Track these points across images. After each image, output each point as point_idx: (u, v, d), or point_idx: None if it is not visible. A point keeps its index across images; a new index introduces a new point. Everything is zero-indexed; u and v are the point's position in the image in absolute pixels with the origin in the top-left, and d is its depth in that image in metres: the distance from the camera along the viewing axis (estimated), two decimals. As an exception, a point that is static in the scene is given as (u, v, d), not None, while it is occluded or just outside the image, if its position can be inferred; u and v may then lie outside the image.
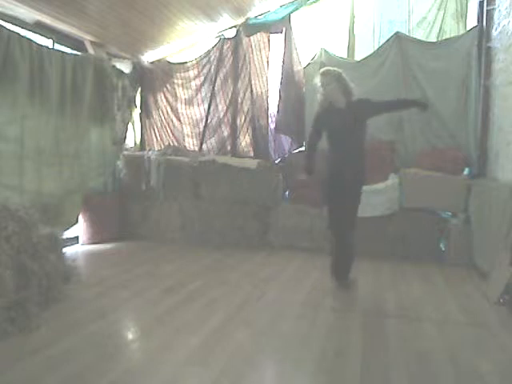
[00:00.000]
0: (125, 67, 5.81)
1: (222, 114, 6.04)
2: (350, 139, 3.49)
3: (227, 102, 5.99)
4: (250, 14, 5.75)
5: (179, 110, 6.18)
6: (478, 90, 4.98)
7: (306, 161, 3.67)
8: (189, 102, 6.14)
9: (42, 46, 4.31)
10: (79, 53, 5.00)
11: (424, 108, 3.69)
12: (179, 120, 6.19)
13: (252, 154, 5.87)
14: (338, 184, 3.53)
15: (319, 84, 3.55)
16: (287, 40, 5.68)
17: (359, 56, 5.62)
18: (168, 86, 6.17)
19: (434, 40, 5.33)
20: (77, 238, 5.01)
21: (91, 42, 5.17)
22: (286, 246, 5.06)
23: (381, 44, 5.46)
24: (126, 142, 5.96)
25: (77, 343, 2.49)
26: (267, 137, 5.87)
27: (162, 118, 6.24)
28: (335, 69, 3.60)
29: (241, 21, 5.79)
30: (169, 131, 6.23)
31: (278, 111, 5.72)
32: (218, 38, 5.95)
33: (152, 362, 2.29)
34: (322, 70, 3.61)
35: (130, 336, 2.78)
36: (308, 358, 2.40)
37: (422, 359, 2.39)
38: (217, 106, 6.03)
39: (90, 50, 5.17)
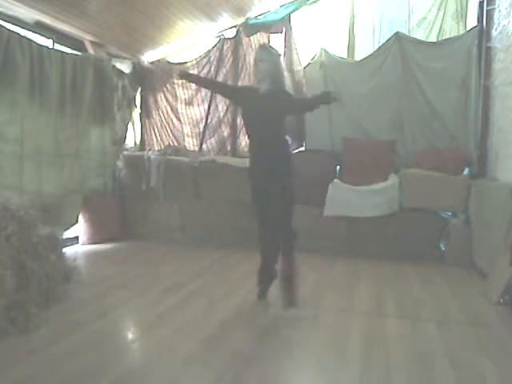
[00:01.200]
0: (125, 67, 5.81)
1: (221, 114, 6.04)
2: (265, 130, 3.15)
3: (227, 102, 5.98)
4: (249, 13, 5.75)
5: (179, 110, 6.17)
6: (477, 90, 4.97)
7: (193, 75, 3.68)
8: (189, 102, 6.14)
9: (42, 45, 4.31)
10: (79, 53, 5.00)
11: (330, 101, 3.26)
12: (179, 120, 6.19)
13: (252, 154, 5.86)
14: (255, 181, 3.27)
15: (257, 57, 3.21)
16: (287, 40, 5.68)
17: (359, 56, 5.62)
18: (168, 86, 6.17)
19: (434, 40, 5.33)
20: (77, 237, 5.01)
21: (91, 42, 5.17)
22: (286, 246, 5.05)
23: (381, 44, 5.45)
24: (126, 142, 5.96)
25: (77, 343, 2.49)
26: (267, 137, 5.85)
27: (162, 118, 6.24)
28: (277, 50, 3.27)
29: (241, 21, 5.79)
30: (169, 131, 6.23)
31: (278, 111, 5.71)
32: (218, 38, 5.95)
33: (152, 361, 2.29)
34: (263, 44, 3.47)
35: (130, 336, 2.78)
36: (308, 357, 2.40)
37: (422, 359, 2.39)
38: (217, 106, 6.03)
39: (90, 50, 5.17)
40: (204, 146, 6.11)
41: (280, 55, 3.29)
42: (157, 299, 3.27)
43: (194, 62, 6.04)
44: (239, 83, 5.88)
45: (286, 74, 3.37)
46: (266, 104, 3.12)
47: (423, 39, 5.35)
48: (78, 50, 5.04)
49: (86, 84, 4.85)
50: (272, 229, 3.21)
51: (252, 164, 3.28)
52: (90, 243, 5.00)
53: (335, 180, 5.02)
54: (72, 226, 4.84)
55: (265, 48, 3.31)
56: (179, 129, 6.21)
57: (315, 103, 3.29)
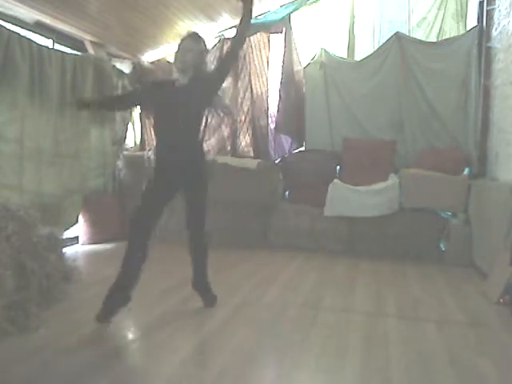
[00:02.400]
0: (125, 67, 5.80)
1: (222, 114, 6.03)
2: (179, 129, 2.81)
3: (227, 102, 5.98)
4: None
5: (179, 110, 6.17)
6: (477, 90, 4.97)
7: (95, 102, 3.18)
8: (189, 102, 6.13)
9: (42, 45, 4.31)
10: (79, 53, 5.00)
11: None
12: (179, 120, 6.18)
13: (252, 154, 5.87)
14: (161, 183, 2.93)
15: (185, 46, 2.83)
16: (287, 40, 5.67)
17: (359, 56, 5.62)
18: (168, 86, 6.16)
19: (434, 40, 5.33)
20: (77, 237, 5.01)
21: (91, 42, 5.17)
22: (286, 245, 5.06)
23: (381, 44, 5.46)
24: (126, 141, 5.96)
25: (77, 343, 2.49)
26: (267, 137, 5.86)
27: (162, 118, 6.24)
28: (205, 40, 2.93)
29: (241, 21, 5.78)
30: (169, 131, 6.22)
31: (277, 111, 5.72)
32: (218, 38, 5.95)
33: (152, 362, 2.29)
34: (193, 33, 2.91)
35: (130, 336, 2.78)
36: (308, 357, 2.40)
37: (422, 359, 2.39)
38: (217, 106, 6.03)
39: (90, 50, 5.17)
40: (204, 146, 6.09)
41: (206, 46, 2.96)
42: (156, 299, 3.27)
43: (194, 61, 6.03)
44: (239, 83, 5.88)
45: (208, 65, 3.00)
46: (183, 98, 2.79)
47: (423, 39, 5.35)
48: (78, 50, 5.04)
49: (85, 84, 4.84)
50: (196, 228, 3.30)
51: (158, 169, 2.92)
52: (89, 243, 5.00)
53: (335, 180, 5.02)
54: (72, 225, 4.83)
55: (195, 37, 2.88)
56: (179, 129, 6.20)
57: (243, 26, 2.79)
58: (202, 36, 2.92)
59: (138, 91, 3.23)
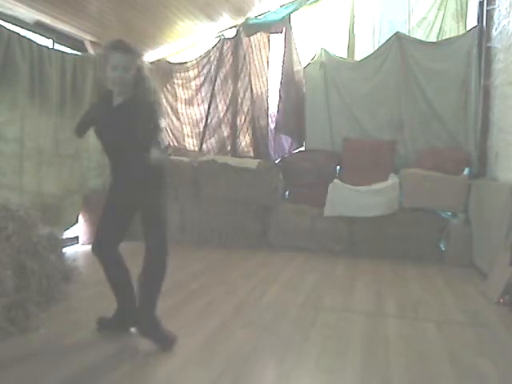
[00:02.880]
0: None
1: (221, 114, 6.04)
2: (120, 150, 2.48)
3: (227, 101, 5.98)
4: (250, 14, 5.75)
5: (179, 110, 6.17)
6: (477, 90, 4.98)
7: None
8: (189, 102, 6.14)
9: (42, 45, 4.31)
10: (79, 53, 5.00)
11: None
12: (179, 120, 6.19)
13: (252, 154, 5.87)
14: (113, 203, 2.79)
15: (113, 60, 2.40)
16: (287, 40, 5.68)
17: (359, 56, 5.62)
18: (168, 86, 6.16)
19: (434, 40, 5.33)
20: (77, 237, 5.01)
21: (91, 42, 5.16)
22: (286, 246, 5.06)
23: (381, 44, 5.46)
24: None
25: (77, 343, 2.49)
26: (267, 137, 5.87)
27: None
28: (136, 48, 2.59)
29: (241, 21, 5.79)
30: (169, 131, 6.23)
31: (277, 111, 5.72)
32: (218, 38, 5.95)
33: (152, 362, 2.28)
34: (117, 42, 2.53)
35: (130, 336, 2.77)
36: (308, 358, 2.40)
37: (422, 359, 2.39)
38: (217, 106, 6.03)
39: (90, 50, 5.16)
40: (204, 146, 6.11)
41: (140, 55, 2.60)
42: (157, 299, 3.26)
43: (194, 62, 6.04)
44: (239, 83, 5.88)
45: (152, 83, 2.57)
46: (118, 119, 2.43)
47: (423, 39, 5.35)
48: (78, 50, 5.04)
49: (85, 84, 4.84)
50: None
51: (111, 189, 2.79)
52: (90, 243, 4.98)
53: (335, 180, 5.02)
54: (72, 225, 4.83)
55: (121, 49, 2.46)
56: (179, 129, 6.21)
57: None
58: (133, 47, 2.55)
59: (91, 109, 2.75)
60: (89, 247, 4.91)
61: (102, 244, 2.69)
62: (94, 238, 2.77)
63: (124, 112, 2.43)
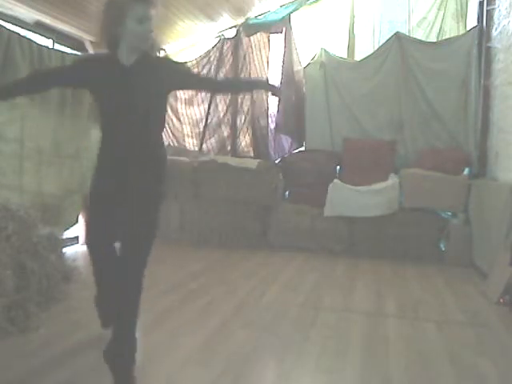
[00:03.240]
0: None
1: (221, 114, 6.03)
2: (136, 123, 2.04)
3: (227, 101, 5.98)
4: (250, 14, 5.75)
5: (179, 110, 6.17)
6: (477, 90, 4.97)
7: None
8: (189, 102, 6.13)
9: (42, 45, 4.30)
10: (79, 53, 5.00)
11: (268, 89, 2.56)
12: (179, 120, 6.19)
13: (252, 154, 5.87)
14: (105, 197, 2.17)
15: (138, 12, 2.00)
16: (287, 40, 5.68)
17: (359, 56, 5.62)
18: (168, 85, 6.16)
19: (434, 40, 5.33)
20: (77, 238, 5.01)
21: (91, 42, 5.16)
22: (286, 246, 5.06)
23: (381, 44, 5.46)
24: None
25: (77, 343, 2.49)
26: (267, 137, 5.86)
27: (162, 118, 6.24)
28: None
29: (241, 21, 5.79)
30: (169, 131, 6.23)
31: (277, 111, 5.72)
32: (218, 38, 5.95)
33: (152, 362, 2.28)
34: None
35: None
36: (308, 358, 2.40)
37: (422, 359, 2.39)
38: (217, 106, 6.03)
39: (90, 50, 5.16)
40: (204, 146, 6.11)
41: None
42: (156, 299, 3.26)
43: (194, 61, 6.03)
44: (239, 83, 5.88)
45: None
46: (138, 82, 2.03)
47: (423, 39, 5.35)
48: (78, 50, 5.04)
49: (86, 84, 4.84)
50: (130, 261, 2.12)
51: (102, 176, 2.18)
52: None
53: (335, 180, 5.02)
54: (72, 225, 4.83)
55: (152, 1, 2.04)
56: (179, 129, 6.20)
57: (247, 86, 2.60)
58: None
59: (77, 66, 2.27)
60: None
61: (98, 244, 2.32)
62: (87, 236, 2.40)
63: (145, 73, 2.04)
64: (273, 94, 2.73)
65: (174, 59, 2.22)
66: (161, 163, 2.18)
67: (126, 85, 2.00)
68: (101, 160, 2.17)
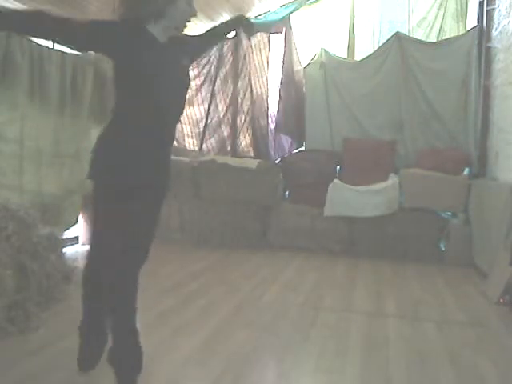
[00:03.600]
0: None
1: (222, 114, 6.03)
2: (173, 101, 1.95)
3: (227, 101, 5.98)
4: (249, 14, 5.75)
5: (179, 110, 6.17)
6: (477, 90, 4.97)
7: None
8: (189, 102, 6.13)
9: (42, 45, 4.31)
10: (79, 53, 5.00)
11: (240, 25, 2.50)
12: (179, 120, 6.18)
13: (252, 154, 5.87)
14: (125, 193, 1.85)
15: None
16: (287, 40, 5.68)
17: (359, 56, 5.62)
18: (168, 85, 6.16)
19: (434, 40, 5.32)
20: (77, 238, 5.01)
21: (91, 42, 5.16)
22: (286, 246, 5.06)
23: (381, 44, 5.46)
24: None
25: (77, 343, 2.48)
26: (267, 137, 5.86)
27: (162, 117, 6.24)
28: None
29: (241, 21, 5.79)
30: (169, 131, 6.23)
31: (277, 111, 5.72)
32: (218, 38, 5.94)
33: (152, 362, 2.28)
34: None
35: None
36: (308, 358, 2.40)
37: (422, 359, 2.39)
38: (217, 106, 6.03)
39: (90, 50, 5.16)
40: (204, 146, 6.11)
41: None
42: (156, 299, 3.26)
43: (194, 62, 6.03)
44: (239, 83, 5.87)
45: None
46: (174, 60, 1.95)
47: (423, 39, 5.35)
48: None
49: (86, 84, 4.84)
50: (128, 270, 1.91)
51: (124, 167, 1.86)
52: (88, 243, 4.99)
53: (335, 180, 5.02)
54: (72, 225, 4.83)
55: None
56: (179, 129, 6.19)
57: (224, 29, 2.41)
58: None
59: (105, 28, 1.84)
60: (89, 247, 4.89)
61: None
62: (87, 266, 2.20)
63: (175, 51, 1.95)
64: (245, 32, 2.78)
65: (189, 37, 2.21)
66: (169, 158, 2.07)
67: (164, 62, 1.88)
68: (125, 142, 1.86)
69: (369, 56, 5.44)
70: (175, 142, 6.13)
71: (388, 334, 2.75)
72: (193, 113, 6.14)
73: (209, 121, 6.08)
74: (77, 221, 4.90)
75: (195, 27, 5.59)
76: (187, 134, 6.19)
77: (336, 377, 2.21)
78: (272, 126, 5.87)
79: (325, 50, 5.50)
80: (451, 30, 5.31)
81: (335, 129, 5.51)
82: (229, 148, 6.03)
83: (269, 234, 5.19)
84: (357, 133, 5.40)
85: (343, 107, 5.47)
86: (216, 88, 5.99)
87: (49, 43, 4.67)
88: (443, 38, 5.30)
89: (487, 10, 4.92)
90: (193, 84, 6.09)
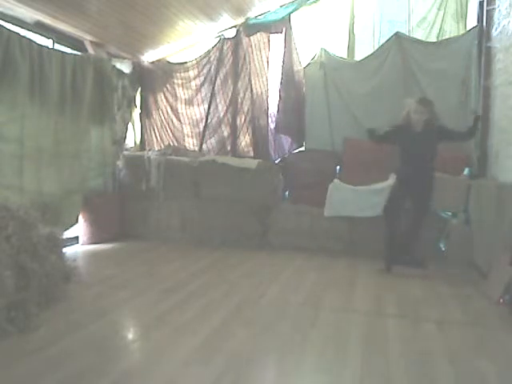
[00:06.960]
0: (125, 67, 5.80)
1: (221, 114, 6.04)
2: (421, 157, 4.21)
3: (227, 101, 5.99)
4: (249, 13, 5.75)
5: (179, 110, 6.17)
6: (477, 90, 4.97)
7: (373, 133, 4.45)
8: (189, 102, 6.14)
9: (42, 45, 4.31)
10: (79, 53, 5.00)
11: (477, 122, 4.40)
12: (179, 120, 6.19)
13: (252, 154, 5.87)
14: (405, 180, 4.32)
15: (413, 106, 4.16)
16: (287, 40, 5.68)
17: (359, 56, 5.62)
18: (168, 85, 6.16)
19: (434, 40, 5.33)
20: (77, 238, 5.01)
21: (91, 42, 5.17)
22: (286, 246, 5.06)
23: (381, 44, 5.46)
24: (126, 141, 5.96)
25: (77, 343, 2.49)
26: (267, 137, 5.86)
27: (162, 118, 6.24)
28: (432, 103, 4.23)
29: (241, 21, 5.79)
30: (169, 131, 6.23)
31: (277, 111, 5.72)
32: (218, 38, 5.95)
33: (152, 362, 2.29)
34: (422, 98, 4.32)
35: (130, 336, 2.78)
36: (308, 357, 2.40)
37: (422, 359, 2.39)
38: (217, 106, 6.03)
39: (90, 50, 5.17)
40: (204, 146, 6.11)
41: (434, 108, 4.25)
42: (157, 299, 3.27)
43: (194, 61, 6.03)
44: (239, 83, 5.89)
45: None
46: (424, 139, 4.19)
47: (423, 39, 5.35)
48: (78, 50, 5.04)
49: (85, 84, 4.85)
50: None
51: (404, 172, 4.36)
52: (89, 243, 5.00)
53: (335, 180, 5.02)
54: (72, 225, 4.83)
55: (424, 103, 4.19)
56: (179, 129, 6.21)
57: (473, 128, 4.40)
58: (430, 102, 4.25)
59: (393, 132, 4.34)
60: (89, 247, 4.93)
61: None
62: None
63: (426, 134, 4.17)
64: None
65: (438, 125, 4.28)
66: (431, 175, 4.34)
67: (417, 141, 4.18)
68: (402, 169, 4.35)
69: (369, 56, 5.44)
70: (175, 142, 6.15)
71: (388, 333, 2.75)
72: (193, 113, 6.14)
73: (209, 121, 6.08)
74: (77, 221, 4.90)
75: (195, 27, 5.60)
76: (187, 134, 6.19)
77: (336, 377, 2.21)
78: (272, 125, 5.87)
79: (325, 50, 5.50)
80: (451, 30, 5.31)
81: (335, 129, 5.51)
82: (229, 148, 6.03)
83: (269, 234, 5.19)
84: (357, 133, 5.39)
85: (343, 107, 5.47)
86: (216, 88, 5.99)
87: (49, 43, 4.69)
88: (443, 38, 5.30)
89: (487, 10, 4.92)
90: (193, 84, 6.10)
